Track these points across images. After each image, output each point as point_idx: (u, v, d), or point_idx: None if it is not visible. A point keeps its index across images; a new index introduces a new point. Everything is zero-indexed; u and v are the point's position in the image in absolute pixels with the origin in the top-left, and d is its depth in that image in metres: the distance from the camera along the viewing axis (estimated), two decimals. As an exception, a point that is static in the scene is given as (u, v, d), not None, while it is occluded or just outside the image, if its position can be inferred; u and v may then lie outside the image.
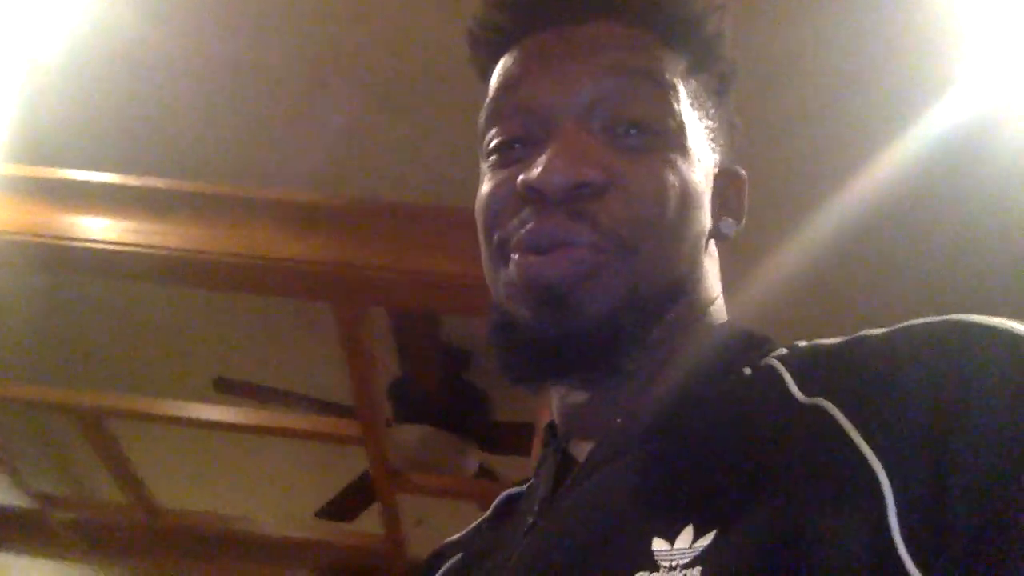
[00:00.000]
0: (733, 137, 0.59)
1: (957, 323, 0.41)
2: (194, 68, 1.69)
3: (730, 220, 0.56)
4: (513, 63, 0.54)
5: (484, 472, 2.78)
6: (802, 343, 0.49)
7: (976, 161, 1.58)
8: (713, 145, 0.55)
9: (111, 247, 1.57)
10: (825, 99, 1.54)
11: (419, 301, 1.63)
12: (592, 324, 0.48)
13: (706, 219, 0.53)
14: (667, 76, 0.52)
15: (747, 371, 0.49)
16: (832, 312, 1.95)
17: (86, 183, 1.67)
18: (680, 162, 0.51)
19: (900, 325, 0.43)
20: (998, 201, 1.65)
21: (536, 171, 0.48)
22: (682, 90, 0.53)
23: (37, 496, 3.05)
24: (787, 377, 0.45)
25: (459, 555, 0.59)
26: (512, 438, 2.60)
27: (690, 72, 0.54)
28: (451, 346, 2.56)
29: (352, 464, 2.71)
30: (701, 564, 0.38)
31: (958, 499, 0.34)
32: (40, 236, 1.61)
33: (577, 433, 0.55)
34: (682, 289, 0.52)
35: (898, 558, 0.34)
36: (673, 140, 0.51)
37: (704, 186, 0.53)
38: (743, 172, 0.58)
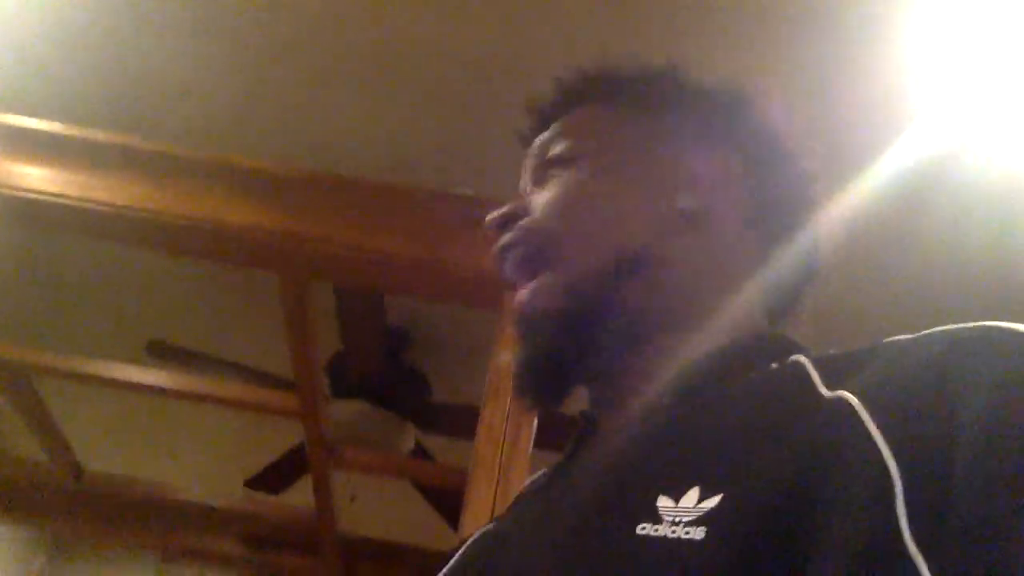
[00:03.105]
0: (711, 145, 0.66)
1: (982, 327, 0.42)
2: (156, 21, 1.65)
3: (686, 194, 0.62)
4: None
5: (419, 452, 2.79)
6: (832, 351, 0.51)
7: (932, 199, 1.61)
8: (655, 150, 0.65)
9: (51, 199, 1.52)
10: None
11: (367, 278, 1.62)
12: (545, 323, 0.60)
13: (640, 204, 0.63)
14: (576, 125, 0.68)
15: (774, 365, 0.51)
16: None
17: (28, 130, 1.61)
18: (587, 173, 0.64)
19: (927, 331, 0.45)
20: (955, 237, 1.69)
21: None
22: (602, 130, 0.67)
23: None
24: (813, 373, 0.47)
25: (491, 525, 0.62)
26: (449, 420, 2.61)
27: (614, 113, 0.68)
28: (393, 325, 2.55)
29: (285, 436, 2.69)
30: (706, 524, 0.40)
31: (962, 494, 0.35)
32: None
33: (605, 408, 0.61)
34: (633, 264, 0.60)
35: (902, 540, 0.35)
36: (582, 162, 0.65)
37: (629, 182, 0.64)
38: (715, 155, 0.64)
